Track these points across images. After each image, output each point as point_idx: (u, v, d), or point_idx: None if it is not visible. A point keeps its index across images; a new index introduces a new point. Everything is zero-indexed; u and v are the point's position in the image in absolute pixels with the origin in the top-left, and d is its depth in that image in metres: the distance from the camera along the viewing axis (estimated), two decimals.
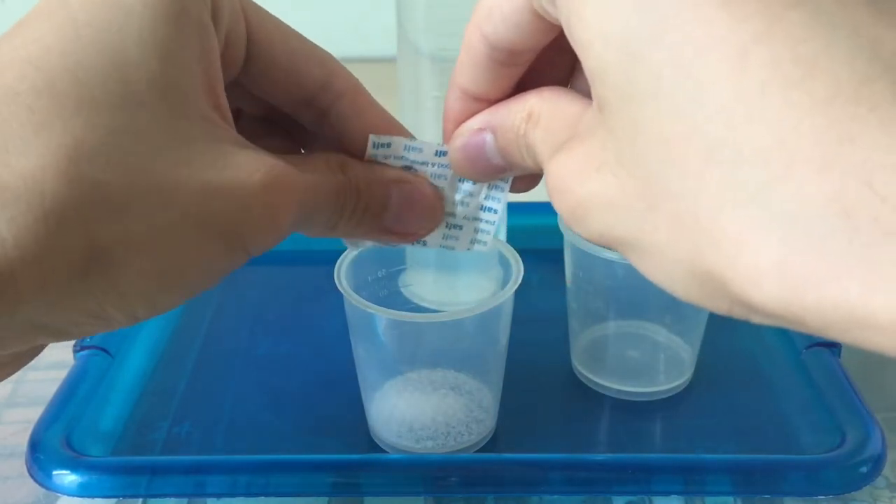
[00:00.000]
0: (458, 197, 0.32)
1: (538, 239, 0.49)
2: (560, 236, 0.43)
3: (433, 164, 0.31)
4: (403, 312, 0.38)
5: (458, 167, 0.30)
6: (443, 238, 0.33)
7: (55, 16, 0.25)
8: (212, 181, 0.25)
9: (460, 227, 0.32)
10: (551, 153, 0.26)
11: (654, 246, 0.22)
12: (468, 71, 0.28)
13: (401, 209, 0.31)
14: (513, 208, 0.51)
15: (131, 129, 0.24)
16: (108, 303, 0.25)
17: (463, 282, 0.50)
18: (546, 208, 0.46)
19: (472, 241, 0.33)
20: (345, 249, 0.41)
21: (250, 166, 0.26)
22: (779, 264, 0.19)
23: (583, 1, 0.23)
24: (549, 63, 0.29)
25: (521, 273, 0.39)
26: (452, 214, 0.32)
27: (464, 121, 0.30)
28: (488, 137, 0.29)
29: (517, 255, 0.40)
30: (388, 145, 0.31)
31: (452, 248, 0.33)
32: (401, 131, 0.32)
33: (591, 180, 0.24)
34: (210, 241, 0.25)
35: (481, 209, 0.32)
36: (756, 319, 0.21)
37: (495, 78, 0.28)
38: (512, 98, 0.28)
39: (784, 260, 0.19)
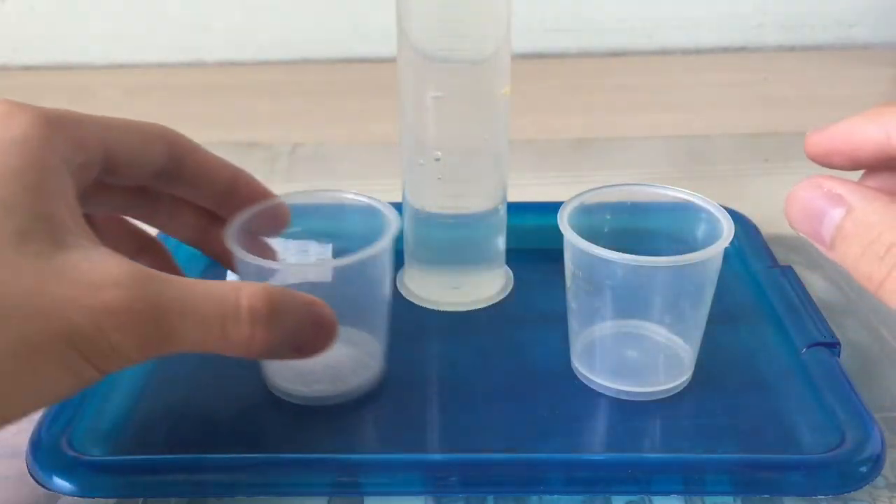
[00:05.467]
0: None
1: (538, 239, 0.49)
2: (560, 236, 0.43)
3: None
4: (271, 262, 0.41)
5: (788, 213, 0.30)
6: None
7: None
8: (61, 292, 0.29)
9: None
10: None
11: None
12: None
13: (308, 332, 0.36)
14: (513, 208, 0.51)
15: None
16: None
17: (463, 281, 0.50)
18: (546, 208, 0.46)
19: None
20: None
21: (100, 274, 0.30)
22: None
23: None
24: None
25: (398, 223, 0.41)
26: None
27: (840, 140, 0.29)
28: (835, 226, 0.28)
29: (392, 208, 0.42)
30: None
31: None
32: (237, 174, 0.41)
33: None
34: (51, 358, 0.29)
35: None
36: None
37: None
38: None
39: None
